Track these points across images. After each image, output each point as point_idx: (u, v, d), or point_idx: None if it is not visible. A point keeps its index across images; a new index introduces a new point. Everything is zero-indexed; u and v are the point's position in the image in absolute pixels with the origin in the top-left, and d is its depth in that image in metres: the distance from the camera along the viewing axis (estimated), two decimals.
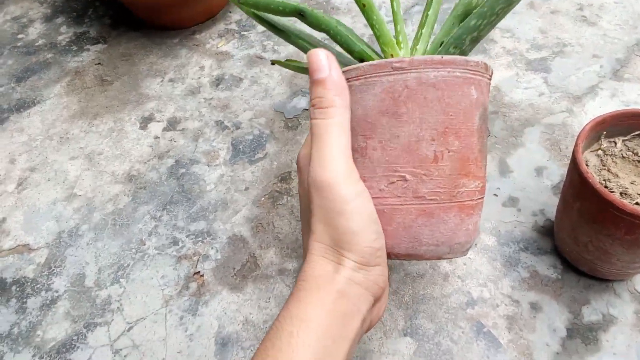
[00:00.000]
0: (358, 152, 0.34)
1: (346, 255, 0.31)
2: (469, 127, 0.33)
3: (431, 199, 0.33)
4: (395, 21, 0.39)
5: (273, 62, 0.48)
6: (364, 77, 0.33)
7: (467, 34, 0.36)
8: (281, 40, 0.85)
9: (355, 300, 0.31)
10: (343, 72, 0.33)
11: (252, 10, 0.41)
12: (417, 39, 0.39)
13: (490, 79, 0.36)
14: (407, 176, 0.33)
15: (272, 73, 0.80)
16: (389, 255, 0.35)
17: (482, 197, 0.36)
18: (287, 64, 0.46)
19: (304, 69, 0.46)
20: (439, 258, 0.35)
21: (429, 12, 0.40)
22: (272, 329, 0.31)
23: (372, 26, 0.38)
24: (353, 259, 0.31)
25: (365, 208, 0.32)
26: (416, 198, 0.33)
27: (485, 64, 0.34)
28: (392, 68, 0.32)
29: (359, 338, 0.33)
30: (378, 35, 0.37)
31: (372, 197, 0.33)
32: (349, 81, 0.34)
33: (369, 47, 0.39)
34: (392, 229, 0.33)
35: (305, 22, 0.38)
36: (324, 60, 0.33)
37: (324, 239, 0.32)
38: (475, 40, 0.38)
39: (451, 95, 0.32)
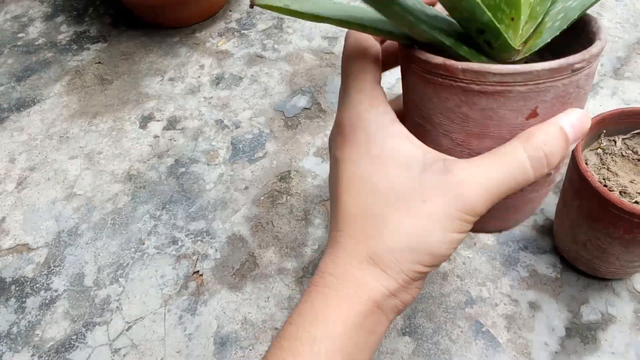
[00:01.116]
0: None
1: (390, 268, 0.28)
2: None
3: None
4: None
5: (252, 5, 0.32)
6: (534, 82, 0.25)
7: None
8: (281, 38, 0.85)
9: (386, 311, 0.28)
10: (501, 72, 0.25)
11: None
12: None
13: None
14: None
15: (272, 72, 0.80)
16: (478, 231, 0.31)
17: None
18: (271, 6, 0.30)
19: (290, 11, 0.29)
20: (515, 225, 0.32)
21: None
22: (291, 326, 0.28)
23: None
24: (396, 274, 0.28)
25: (457, 245, 0.28)
26: None
27: None
28: (572, 71, 0.25)
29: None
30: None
31: None
32: (509, 85, 0.25)
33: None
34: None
35: None
36: (587, 124, 0.27)
37: (381, 249, 0.28)
38: None
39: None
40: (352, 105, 0.29)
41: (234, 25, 0.89)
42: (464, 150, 0.28)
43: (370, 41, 0.30)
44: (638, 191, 0.47)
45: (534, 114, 0.26)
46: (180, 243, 0.61)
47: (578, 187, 0.48)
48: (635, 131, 0.52)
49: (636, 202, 0.46)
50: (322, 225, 0.61)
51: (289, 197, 0.64)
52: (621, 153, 0.51)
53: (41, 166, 0.71)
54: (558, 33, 0.27)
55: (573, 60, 0.25)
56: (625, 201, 0.43)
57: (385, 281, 0.27)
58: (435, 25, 0.27)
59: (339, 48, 0.82)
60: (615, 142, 0.52)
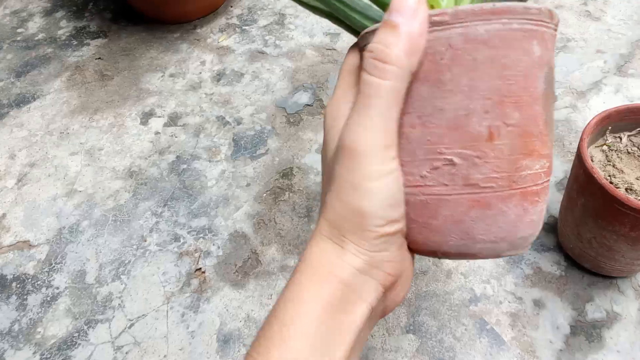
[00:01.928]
0: None
1: (348, 237, 0.27)
2: (531, 93, 0.26)
3: (486, 187, 0.26)
4: None
5: None
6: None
7: None
8: (283, 34, 0.85)
9: (358, 289, 0.27)
10: (367, 32, 0.27)
11: None
12: None
13: (556, 30, 0.29)
14: (455, 159, 0.26)
15: (273, 68, 0.80)
16: (436, 254, 0.30)
17: (548, 180, 0.29)
18: None
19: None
20: (498, 256, 0.29)
21: None
22: (268, 316, 0.28)
23: None
24: (355, 243, 0.27)
25: (386, 191, 0.27)
26: (467, 186, 0.27)
27: (549, 10, 0.27)
28: (431, 23, 0.25)
29: (370, 327, 0.30)
30: None
31: (412, 186, 0.27)
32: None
33: None
34: (438, 223, 0.28)
35: None
36: (411, 2, 0.25)
37: (332, 216, 0.28)
38: None
39: (508, 54, 0.26)
40: (335, 97, 0.30)
41: (235, 21, 0.89)
42: None
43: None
44: None
45: None
46: (182, 240, 0.61)
47: (583, 184, 0.47)
48: None
49: None
50: None
51: (291, 194, 0.64)
52: (627, 150, 0.50)
53: (41, 162, 0.71)
54: None
55: (429, 13, 0.26)
56: (631, 198, 0.43)
57: (347, 256, 0.27)
58: (367, 15, 0.29)
59: (340, 44, 0.82)
60: (621, 139, 0.51)
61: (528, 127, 0.26)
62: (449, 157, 0.26)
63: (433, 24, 0.25)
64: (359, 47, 0.30)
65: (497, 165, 0.26)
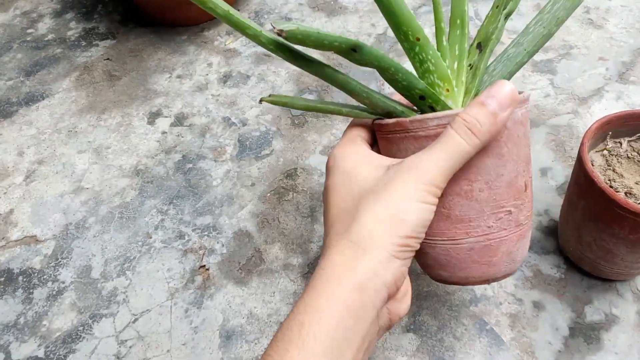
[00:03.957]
0: (462, 196, 0.34)
1: (375, 242, 0.31)
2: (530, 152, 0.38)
3: (525, 223, 0.37)
4: (443, 56, 0.37)
5: (261, 100, 0.40)
6: None
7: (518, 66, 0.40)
8: None
9: (370, 294, 0.31)
10: (438, 117, 0.33)
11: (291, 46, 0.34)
12: (459, 70, 0.38)
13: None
14: (512, 209, 0.35)
15: (279, 71, 0.81)
16: (488, 282, 0.38)
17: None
18: (277, 100, 0.40)
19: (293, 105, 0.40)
20: (512, 273, 0.39)
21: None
22: (286, 318, 0.31)
23: (421, 61, 0.35)
24: (380, 246, 0.31)
25: (428, 214, 0.32)
26: (517, 226, 0.36)
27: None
28: None
29: (376, 334, 0.33)
30: (432, 70, 0.35)
31: (479, 235, 0.35)
32: (441, 127, 0.34)
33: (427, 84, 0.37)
34: (497, 258, 0.36)
35: (355, 59, 0.32)
36: (509, 97, 0.32)
37: (362, 227, 0.32)
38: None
39: (527, 129, 0.36)
40: (341, 144, 0.38)
41: None
42: None
43: (365, 120, 0.40)
44: None
45: None
46: (187, 237, 0.62)
47: (584, 188, 0.48)
48: None
49: None
50: None
51: (295, 194, 0.65)
52: (627, 155, 0.51)
53: (49, 160, 0.72)
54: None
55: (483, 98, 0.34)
56: (630, 201, 0.44)
57: (366, 261, 0.31)
58: (387, 99, 0.36)
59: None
60: (621, 144, 0.52)
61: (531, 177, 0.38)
62: (508, 208, 0.35)
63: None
64: (369, 125, 0.39)
65: (528, 207, 0.37)
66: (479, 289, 0.54)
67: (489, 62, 0.40)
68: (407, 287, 0.35)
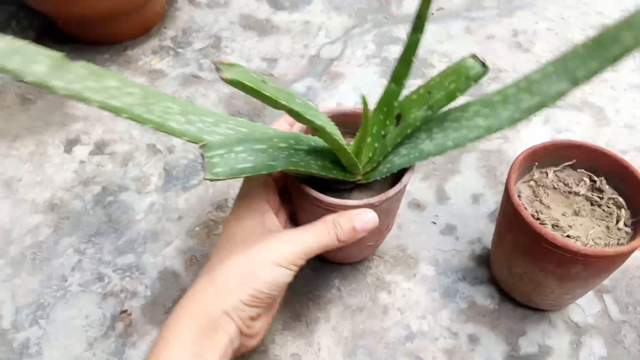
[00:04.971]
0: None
1: (233, 291, 0.38)
2: None
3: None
4: (359, 148, 0.43)
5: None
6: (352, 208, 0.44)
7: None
8: (219, 58, 0.83)
9: (221, 323, 0.38)
10: (337, 204, 0.43)
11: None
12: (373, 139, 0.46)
13: None
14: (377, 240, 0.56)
15: (208, 94, 0.78)
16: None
17: None
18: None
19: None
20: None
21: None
22: (154, 341, 0.38)
23: (343, 154, 0.41)
24: (236, 295, 0.38)
25: (284, 278, 0.40)
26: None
27: None
28: (373, 205, 0.44)
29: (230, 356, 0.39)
30: (347, 163, 0.43)
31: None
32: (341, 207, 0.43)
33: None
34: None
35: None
36: (371, 225, 0.42)
37: (223, 273, 0.39)
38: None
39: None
40: (237, 208, 0.45)
41: (168, 43, 0.86)
42: None
43: (264, 177, 0.46)
44: (569, 224, 0.48)
45: None
46: (107, 280, 0.57)
47: (512, 221, 0.48)
48: (567, 163, 0.53)
49: (568, 236, 0.47)
50: None
51: None
52: (553, 185, 0.52)
53: None
54: (384, 175, 0.45)
55: (374, 201, 0.43)
56: (557, 235, 0.44)
57: (220, 298, 0.38)
58: (309, 162, 0.42)
59: (278, 70, 0.81)
60: (547, 175, 0.52)
61: None
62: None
63: (375, 205, 0.44)
64: (298, 190, 0.45)
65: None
66: (414, 324, 0.53)
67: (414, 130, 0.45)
68: (260, 328, 0.42)
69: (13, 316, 0.55)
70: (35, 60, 0.34)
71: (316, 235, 0.41)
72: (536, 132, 0.70)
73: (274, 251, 0.39)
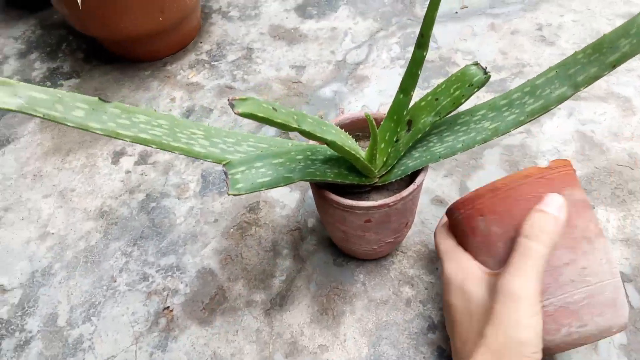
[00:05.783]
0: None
1: None
2: None
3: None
4: (372, 155, 0.46)
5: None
6: (367, 210, 0.48)
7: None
8: (250, 69, 0.87)
9: None
10: (353, 206, 0.47)
11: None
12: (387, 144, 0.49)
13: None
14: None
15: None
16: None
17: None
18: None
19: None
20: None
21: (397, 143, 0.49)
22: None
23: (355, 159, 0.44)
24: None
25: (539, 325, 0.39)
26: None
27: None
28: (388, 206, 0.48)
29: None
30: (362, 169, 0.47)
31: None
32: (355, 209, 0.48)
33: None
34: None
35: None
36: (560, 200, 0.41)
37: (495, 345, 0.39)
38: None
39: None
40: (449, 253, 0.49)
41: (204, 56, 0.91)
42: (340, 227, 0.53)
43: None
44: None
45: (368, 220, 0.49)
46: (151, 279, 0.63)
47: None
48: None
49: None
50: (289, 256, 0.63)
51: (257, 228, 0.66)
52: None
53: (15, 206, 0.72)
54: (399, 178, 0.49)
55: (389, 201, 0.46)
56: None
57: None
58: (325, 171, 0.45)
59: (306, 77, 0.84)
60: None
61: None
62: None
63: (390, 206, 0.47)
64: (322, 195, 0.48)
65: None
66: (436, 316, 0.56)
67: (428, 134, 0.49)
68: None
69: (68, 315, 0.61)
70: (75, 107, 0.38)
71: (528, 258, 0.41)
72: (560, 125, 0.71)
73: (518, 312, 0.40)
